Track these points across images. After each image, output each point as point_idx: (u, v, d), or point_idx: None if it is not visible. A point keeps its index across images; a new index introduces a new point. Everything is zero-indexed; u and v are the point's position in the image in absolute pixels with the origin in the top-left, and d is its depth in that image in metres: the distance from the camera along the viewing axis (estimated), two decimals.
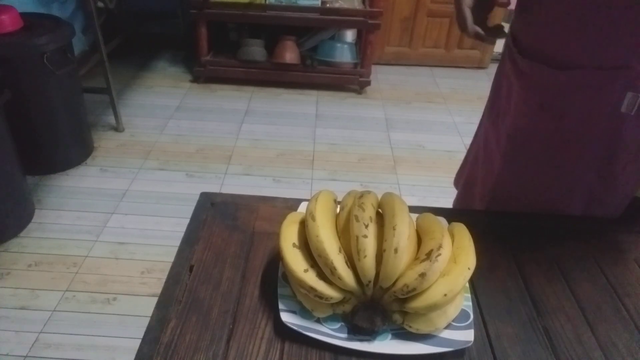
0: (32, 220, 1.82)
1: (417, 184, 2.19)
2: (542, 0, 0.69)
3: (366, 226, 0.54)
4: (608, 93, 0.67)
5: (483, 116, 0.94)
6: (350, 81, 2.93)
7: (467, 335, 0.54)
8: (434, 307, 0.52)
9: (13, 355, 1.37)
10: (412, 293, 0.52)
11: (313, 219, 0.56)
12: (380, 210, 0.60)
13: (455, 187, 1.07)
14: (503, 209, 0.82)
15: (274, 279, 0.60)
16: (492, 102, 0.86)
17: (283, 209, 0.72)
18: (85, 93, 2.18)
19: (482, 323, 0.58)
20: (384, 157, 2.36)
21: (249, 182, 2.13)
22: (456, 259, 0.56)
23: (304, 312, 0.56)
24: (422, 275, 0.51)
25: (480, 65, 3.35)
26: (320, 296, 0.54)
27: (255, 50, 2.78)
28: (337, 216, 0.61)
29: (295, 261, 0.56)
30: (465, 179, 0.98)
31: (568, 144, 0.73)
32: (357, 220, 0.54)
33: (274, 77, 2.86)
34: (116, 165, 2.17)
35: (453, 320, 0.56)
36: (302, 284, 0.54)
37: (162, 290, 0.59)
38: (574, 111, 0.70)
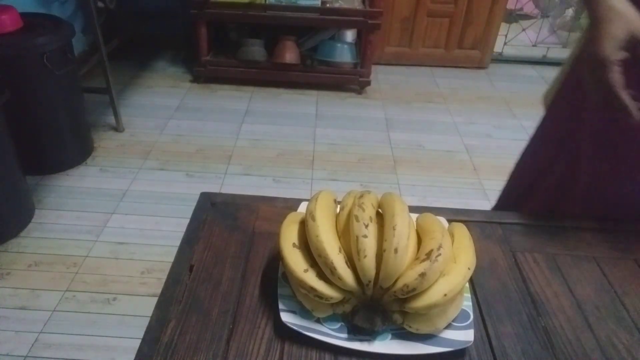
0: (32, 220, 1.82)
1: (417, 184, 2.19)
2: None
3: (366, 226, 0.54)
4: None
5: (572, 111, 0.87)
6: (350, 81, 2.93)
7: (467, 335, 0.54)
8: (434, 307, 0.52)
9: (13, 355, 1.37)
10: (412, 293, 0.52)
11: (313, 219, 0.56)
12: (380, 210, 0.60)
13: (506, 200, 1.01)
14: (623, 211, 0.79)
15: (274, 279, 0.60)
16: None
17: (283, 209, 0.72)
18: (85, 93, 2.18)
19: (482, 323, 0.58)
20: (384, 157, 2.36)
21: (249, 182, 2.13)
22: (456, 259, 0.56)
23: (304, 312, 0.56)
24: (422, 275, 0.51)
25: (480, 65, 3.35)
26: (320, 296, 0.53)
27: (255, 50, 2.78)
28: (337, 216, 0.61)
29: (295, 261, 0.56)
30: (555, 183, 0.90)
31: None
32: (357, 220, 0.54)
33: (274, 77, 2.86)
34: (116, 165, 2.17)
35: (453, 320, 0.56)
36: (302, 284, 0.54)
37: (162, 290, 0.59)
38: None
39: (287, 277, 0.58)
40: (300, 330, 0.54)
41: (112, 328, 1.46)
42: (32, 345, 1.40)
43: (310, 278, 0.54)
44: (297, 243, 0.58)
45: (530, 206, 0.95)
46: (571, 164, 0.86)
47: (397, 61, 3.32)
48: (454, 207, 0.78)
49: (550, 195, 0.91)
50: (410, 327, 0.54)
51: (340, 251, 0.54)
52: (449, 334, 0.55)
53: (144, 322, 0.55)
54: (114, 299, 1.55)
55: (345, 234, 0.56)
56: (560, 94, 0.86)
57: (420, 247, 0.56)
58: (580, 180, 0.85)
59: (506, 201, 1.03)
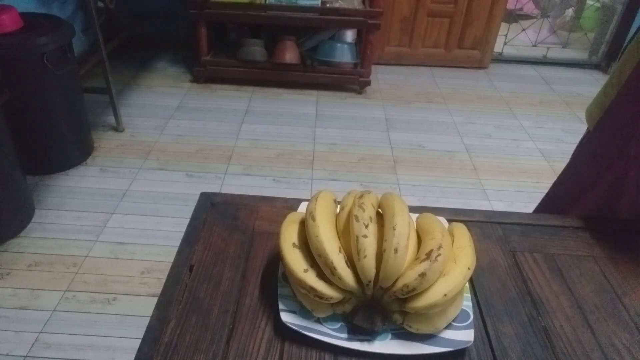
0: (32, 220, 1.82)
1: (417, 184, 2.19)
2: None
3: (366, 226, 0.53)
4: None
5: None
6: (350, 81, 2.93)
7: (467, 335, 0.54)
8: (434, 307, 0.52)
9: (13, 355, 1.37)
10: (412, 293, 0.52)
11: (313, 219, 0.56)
12: (380, 210, 0.60)
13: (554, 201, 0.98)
14: None
15: (274, 279, 0.60)
16: None
17: (283, 209, 0.72)
18: (85, 93, 2.18)
19: (482, 323, 0.58)
20: (384, 157, 2.36)
21: (249, 182, 2.13)
22: (456, 259, 0.56)
23: (304, 312, 0.56)
24: (422, 275, 0.51)
25: (480, 65, 3.35)
26: (320, 296, 0.53)
27: (255, 50, 2.78)
28: (337, 216, 0.61)
29: (295, 261, 0.56)
30: (608, 187, 0.86)
31: None
32: (357, 220, 0.54)
33: (274, 77, 2.86)
34: (116, 165, 2.17)
35: (453, 320, 0.56)
36: (302, 284, 0.54)
37: (162, 290, 0.59)
38: None
39: (287, 277, 0.58)
40: (300, 330, 0.54)
41: (112, 328, 1.46)
42: (32, 345, 1.40)
43: (310, 278, 0.54)
44: (297, 243, 0.58)
45: (575, 212, 0.90)
46: (620, 178, 0.82)
47: (397, 61, 3.33)
48: (454, 207, 0.78)
49: (600, 204, 0.87)
50: (410, 327, 0.54)
51: (340, 251, 0.54)
52: (449, 334, 0.55)
53: (144, 322, 0.55)
54: (114, 299, 1.55)
55: (345, 234, 0.56)
56: (610, 110, 0.82)
57: (420, 247, 0.56)
58: (628, 194, 0.81)
59: (549, 207, 1.00)
